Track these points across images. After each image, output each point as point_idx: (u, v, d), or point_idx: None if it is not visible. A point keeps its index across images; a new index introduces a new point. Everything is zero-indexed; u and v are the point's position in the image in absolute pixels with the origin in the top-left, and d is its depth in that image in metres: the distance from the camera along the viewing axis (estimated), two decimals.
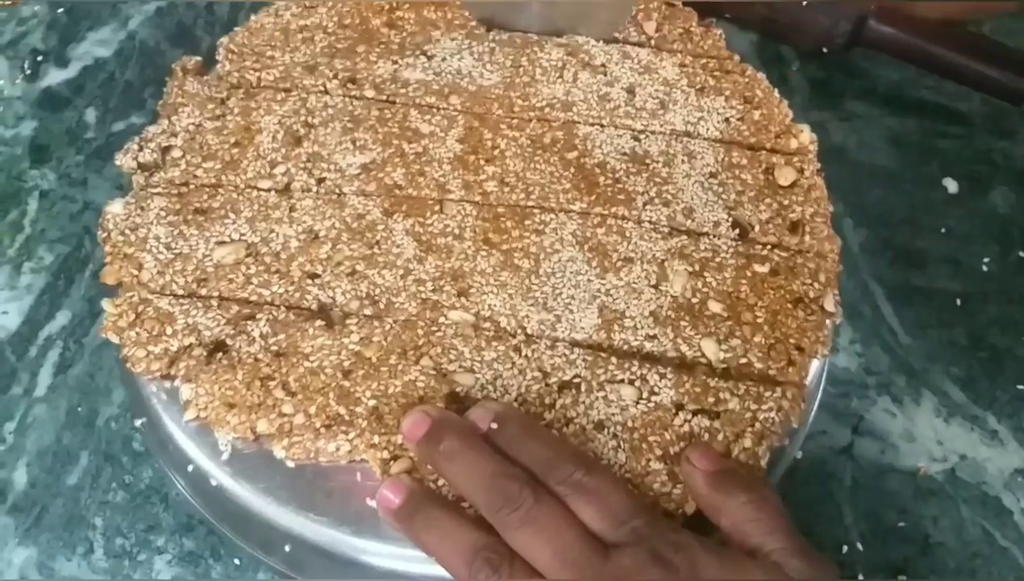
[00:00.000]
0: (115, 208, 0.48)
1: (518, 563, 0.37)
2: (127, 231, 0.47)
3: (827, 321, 0.47)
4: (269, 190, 0.49)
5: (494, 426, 0.41)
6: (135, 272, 0.46)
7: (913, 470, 0.51)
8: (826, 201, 0.51)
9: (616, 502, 0.39)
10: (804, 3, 0.63)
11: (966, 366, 0.55)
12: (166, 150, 0.50)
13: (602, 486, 0.39)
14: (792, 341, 0.46)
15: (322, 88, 0.53)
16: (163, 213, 0.48)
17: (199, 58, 0.54)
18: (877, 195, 0.60)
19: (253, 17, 0.56)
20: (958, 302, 0.57)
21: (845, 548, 0.50)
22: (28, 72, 0.64)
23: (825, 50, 0.65)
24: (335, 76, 0.53)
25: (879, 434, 0.52)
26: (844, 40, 0.64)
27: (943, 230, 0.60)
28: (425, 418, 0.41)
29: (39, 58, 0.65)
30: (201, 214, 0.48)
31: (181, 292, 0.46)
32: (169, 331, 0.44)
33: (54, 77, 0.65)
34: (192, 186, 0.49)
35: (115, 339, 0.45)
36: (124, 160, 0.50)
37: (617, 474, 0.42)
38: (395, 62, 0.54)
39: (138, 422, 0.47)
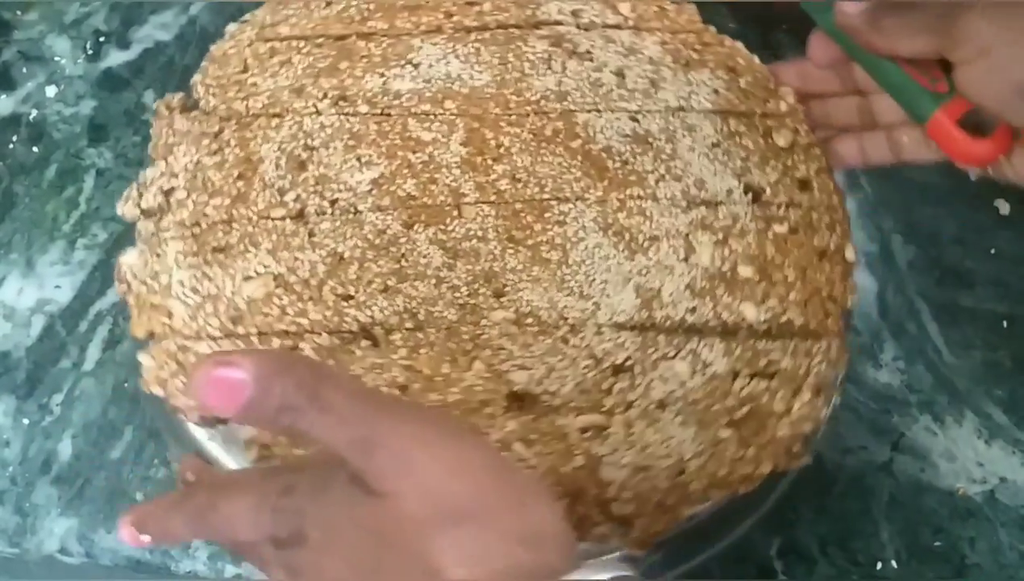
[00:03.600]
0: (130, 258, 0.47)
1: None
2: (148, 280, 0.46)
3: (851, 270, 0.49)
4: (284, 218, 0.48)
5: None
6: (166, 320, 0.45)
7: (952, 490, 0.51)
8: (825, 157, 0.52)
9: None
10: None
11: (1010, 388, 0.54)
12: (169, 192, 0.49)
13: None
14: (824, 293, 0.47)
15: (314, 109, 0.52)
16: (182, 256, 0.46)
17: (181, 94, 0.53)
18: (927, 213, 0.59)
19: (212, 47, 0.55)
20: (1004, 324, 0.56)
21: (880, 565, 0.50)
22: (90, 52, 0.65)
23: None
24: (324, 96, 0.52)
25: (919, 452, 0.51)
26: None
27: (992, 251, 0.58)
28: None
29: (101, 39, 0.66)
30: (221, 252, 0.47)
31: (218, 334, 0.45)
32: None
33: (115, 58, 0.65)
34: (204, 225, 0.48)
35: (160, 392, 0.43)
36: (126, 208, 0.48)
37: (675, 443, 0.43)
38: (382, 75, 0.53)
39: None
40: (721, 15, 0.67)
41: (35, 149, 0.61)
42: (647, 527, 0.41)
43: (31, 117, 0.63)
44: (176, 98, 0.52)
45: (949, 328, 0.55)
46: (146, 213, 0.48)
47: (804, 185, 0.51)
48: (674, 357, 0.45)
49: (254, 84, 0.53)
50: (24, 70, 0.65)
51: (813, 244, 0.49)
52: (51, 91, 0.64)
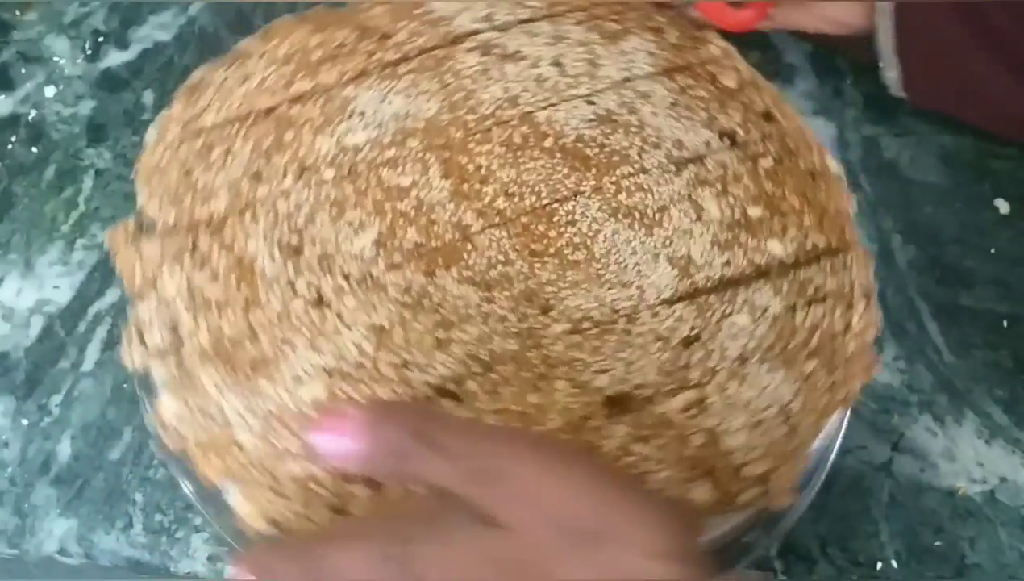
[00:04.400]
0: (168, 408, 0.43)
1: None
2: (201, 421, 0.42)
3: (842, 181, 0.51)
4: (305, 310, 0.46)
5: None
6: (238, 455, 0.42)
7: (952, 490, 0.51)
8: (769, 84, 0.55)
9: None
10: None
11: (1010, 388, 0.54)
12: (174, 325, 0.45)
13: None
14: (831, 209, 0.50)
15: (280, 191, 0.49)
16: (222, 385, 0.43)
17: (131, 220, 0.48)
18: (927, 212, 0.58)
19: (143, 157, 0.50)
20: (1005, 323, 0.56)
21: (880, 565, 0.50)
22: (89, 52, 0.66)
23: (881, 64, 0.62)
24: (285, 173, 0.49)
25: (919, 452, 0.51)
26: None
27: (992, 250, 0.58)
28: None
29: (100, 39, 0.67)
30: (260, 363, 0.44)
31: (296, 449, 0.42)
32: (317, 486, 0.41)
33: (114, 59, 0.66)
34: (228, 344, 0.45)
35: (273, 529, 0.40)
36: (135, 358, 0.44)
37: (772, 389, 0.44)
38: (332, 134, 0.51)
39: None
40: None
41: (34, 149, 0.62)
42: (782, 478, 0.42)
43: (30, 117, 0.63)
44: (128, 226, 0.48)
45: (949, 328, 0.55)
46: (157, 355, 0.44)
47: (768, 117, 0.53)
48: (731, 313, 0.46)
49: (206, 184, 0.49)
50: (23, 70, 0.65)
51: (800, 168, 0.51)
52: (50, 91, 0.64)
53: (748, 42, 0.55)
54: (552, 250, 0.48)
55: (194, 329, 0.45)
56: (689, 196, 0.49)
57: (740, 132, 0.52)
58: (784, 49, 0.67)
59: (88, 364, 0.54)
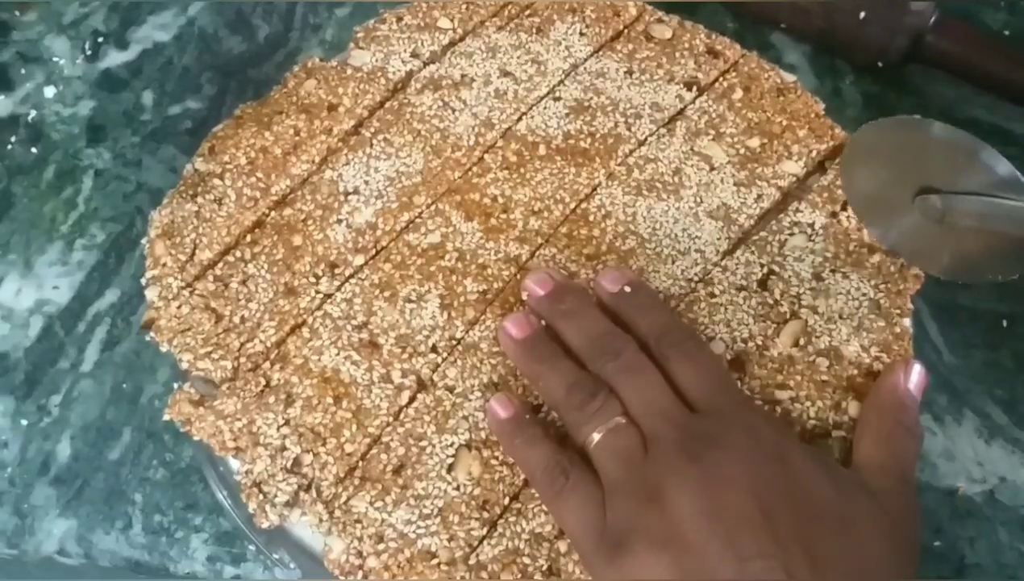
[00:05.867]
0: (338, 548, 0.41)
1: (611, 399, 0.40)
2: (380, 547, 0.41)
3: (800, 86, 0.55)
4: (414, 398, 0.44)
5: (626, 290, 0.44)
6: (433, 561, 0.40)
7: (951, 490, 0.50)
8: (695, 24, 0.57)
9: (716, 374, 0.41)
10: (861, 16, 0.61)
11: (1010, 388, 0.54)
12: (294, 467, 0.42)
13: (707, 359, 0.42)
14: (812, 115, 0.53)
15: (321, 295, 0.46)
16: (380, 503, 0.41)
17: (190, 390, 0.44)
18: None
19: (159, 322, 0.46)
20: (1004, 323, 0.56)
21: None
22: (88, 53, 0.66)
23: (880, 64, 0.62)
24: (315, 277, 0.47)
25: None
26: (900, 55, 0.61)
27: None
28: (549, 279, 0.45)
29: (100, 39, 0.67)
30: (402, 467, 0.42)
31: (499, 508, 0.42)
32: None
33: (114, 59, 0.66)
34: (360, 463, 0.43)
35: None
36: (270, 518, 0.41)
37: (854, 290, 0.47)
38: (338, 221, 0.49)
39: None
40: (720, 15, 0.67)
41: (33, 150, 0.62)
42: (903, 360, 0.45)
43: (29, 118, 0.63)
44: (186, 395, 0.44)
45: (949, 328, 0.55)
46: (292, 504, 0.42)
47: (713, 53, 0.55)
48: (786, 240, 0.48)
49: (242, 319, 0.46)
50: (23, 71, 0.65)
51: (766, 88, 0.54)
52: (50, 92, 0.64)
53: (746, 43, 0.57)
54: (604, 248, 0.48)
55: (319, 464, 0.42)
56: (692, 149, 0.51)
57: (700, 76, 0.54)
58: (784, 49, 0.67)
59: (87, 364, 0.54)
